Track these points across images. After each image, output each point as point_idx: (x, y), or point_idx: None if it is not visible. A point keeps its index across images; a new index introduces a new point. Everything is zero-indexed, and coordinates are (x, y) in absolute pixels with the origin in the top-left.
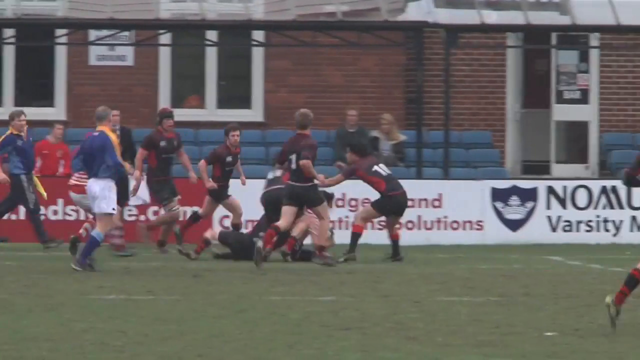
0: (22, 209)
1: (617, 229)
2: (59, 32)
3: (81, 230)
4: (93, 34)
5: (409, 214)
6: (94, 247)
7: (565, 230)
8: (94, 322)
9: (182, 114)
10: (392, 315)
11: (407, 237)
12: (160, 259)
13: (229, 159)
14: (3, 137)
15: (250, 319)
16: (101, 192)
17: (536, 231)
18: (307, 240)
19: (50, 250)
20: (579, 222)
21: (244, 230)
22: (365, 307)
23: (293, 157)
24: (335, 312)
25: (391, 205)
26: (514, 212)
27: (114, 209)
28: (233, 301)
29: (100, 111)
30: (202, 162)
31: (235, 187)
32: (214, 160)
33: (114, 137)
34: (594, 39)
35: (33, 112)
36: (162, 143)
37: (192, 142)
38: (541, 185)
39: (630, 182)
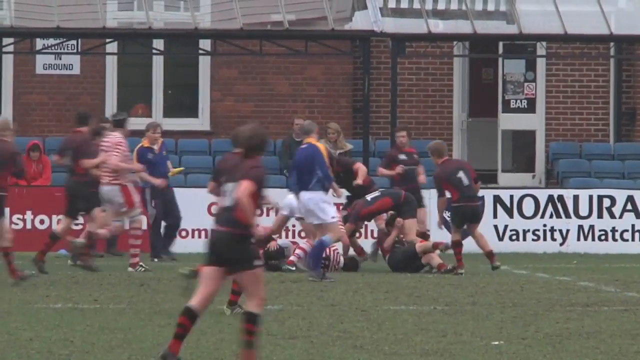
0: None
1: (564, 238)
2: (6, 40)
3: None
4: (40, 43)
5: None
6: (320, 253)
7: (512, 240)
8: (40, 331)
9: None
10: (339, 324)
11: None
12: (107, 267)
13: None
14: (137, 149)
15: (197, 328)
16: (315, 205)
17: None
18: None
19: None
20: (525, 231)
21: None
22: (312, 315)
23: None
24: (282, 321)
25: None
26: None
27: (333, 217)
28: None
29: (307, 124)
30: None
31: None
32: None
33: (323, 149)
34: (541, 48)
35: None
36: None
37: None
38: (488, 194)
39: None
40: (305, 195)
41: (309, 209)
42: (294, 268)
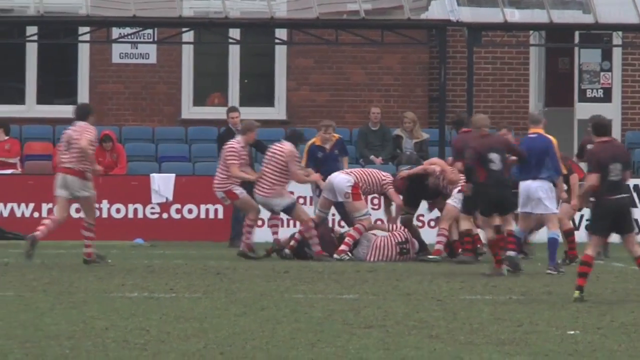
0: (45, 208)
1: None
2: (82, 29)
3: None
4: (116, 32)
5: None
6: (556, 248)
7: (585, 229)
8: (115, 320)
9: (204, 112)
10: (414, 313)
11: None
12: (183, 257)
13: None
14: (307, 147)
15: (272, 317)
16: (544, 193)
17: None
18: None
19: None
20: None
21: None
22: (388, 305)
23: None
24: (357, 311)
25: None
26: None
27: (556, 209)
28: (255, 299)
29: (536, 115)
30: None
31: None
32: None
33: (555, 142)
34: (617, 38)
35: (55, 110)
36: None
37: (215, 140)
38: None
39: None
40: (534, 183)
41: (537, 197)
42: (347, 257)
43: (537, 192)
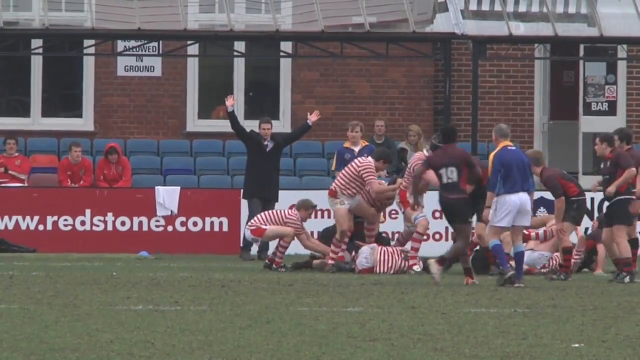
0: (50, 220)
1: None
2: (87, 42)
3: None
4: (121, 45)
5: (436, 225)
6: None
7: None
8: (120, 333)
9: (209, 125)
10: (419, 326)
11: (431, 249)
12: (188, 269)
13: None
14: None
15: (278, 329)
16: (530, 205)
17: None
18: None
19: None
20: None
21: None
22: (393, 318)
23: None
24: (362, 324)
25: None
26: None
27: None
28: (260, 312)
29: (505, 128)
30: None
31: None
32: None
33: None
34: (622, 51)
35: (60, 123)
36: None
37: (219, 153)
38: None
39: None
40: (525, 196)
41: (527, 210)
42: (419, 269)
43: (527, 204)
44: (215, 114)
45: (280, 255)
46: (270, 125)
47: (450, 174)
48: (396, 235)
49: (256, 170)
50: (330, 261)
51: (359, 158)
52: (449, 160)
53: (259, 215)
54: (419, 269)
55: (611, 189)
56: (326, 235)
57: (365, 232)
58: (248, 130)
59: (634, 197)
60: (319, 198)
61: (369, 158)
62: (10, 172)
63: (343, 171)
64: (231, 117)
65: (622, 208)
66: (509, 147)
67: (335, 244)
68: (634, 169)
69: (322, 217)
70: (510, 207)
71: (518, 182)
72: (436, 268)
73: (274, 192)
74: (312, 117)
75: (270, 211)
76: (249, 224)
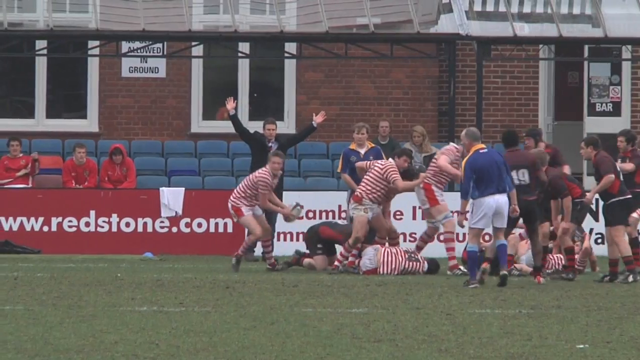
0: (54, 221)
1: None
2: (92, 43)
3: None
4: (125, 46)
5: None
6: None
7: (597, 243)
8: (125, 334)
9: (213, 126)
10: (424, 327)
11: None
12: (192, 270)
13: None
14: (344, 150)
15: (282, 330)
16: (506, 207)
17: None
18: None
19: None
20: None
21: None
22: (397, 319)
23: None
24: (367, 324)
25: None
26: None
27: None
28: (265, 313)
29: (476, 131)
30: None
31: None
32: None
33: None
34: (626, 51)
35: (65, 124)
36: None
37: (224, 154)
38: None
39: None
40: (502, 198)
41: (504, 212)
42: (459, 272)
43: (504, 206)
44: (219, 116)
45: (268, 256)
46: (274, 126)
47: (522, 176)
48: (416, 234)
49: None
50: (336, 263)
51: (379, 161)
52: (520, 163)
53: (239, 187)
54: (459, 272)
55: (589, 196)
56: (311, 234)
57: (376, 241)
58: (252, 131)
59: (629, 196)
60: (324, 199)
61: (390, 160)
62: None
63: (366, 176)
64: (233, 120)
65: (618, 209)
66: (481, 151)
67: (347, 249)
68: (612, 175)
69: (327, 217)
70: (486, 209)
71: (493, 184)
72: (540, 280)
73: (278, 193)
74: (318, 119)
75: (245, 180)
76: (232, 196)
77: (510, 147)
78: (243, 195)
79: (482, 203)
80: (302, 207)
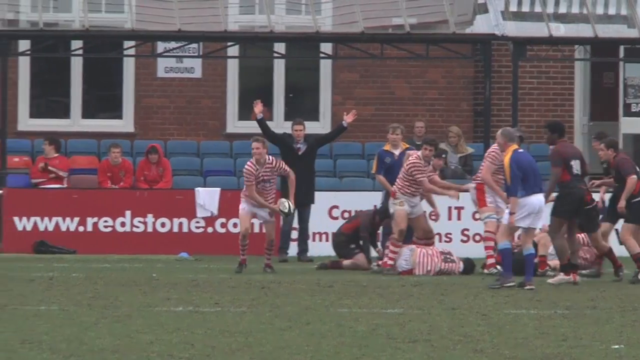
0: (90, 222)
1: None
2: (127, 44)
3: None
4: (161, 46)
5: (477, 226)
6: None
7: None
8: (160, 334)
9: (249, 126)
10: (459, 327)
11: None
12: (228, 271)
13: None
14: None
15: (317, 331)
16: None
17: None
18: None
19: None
20: None
21: None
22: (432, 319)
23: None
24: (402, 325)
25: None
26: None
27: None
28: (300, 313)
29: (513, 132)
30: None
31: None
32: None
33: None
34: None
35: (100, 124)
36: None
37: None
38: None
39: None
40: (542, 198)
41: (542, 212)
42: (495, 270)
43: (543, 206)
44: (253, 116)
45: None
46: (302, 127)
47: (578, 167)
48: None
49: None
50: (390, 262)
51: (410, 156)
52: (576, 154)
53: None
54: (494, 271)
55: (621, 204)
56: (338, 239)
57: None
58: (281, 132)
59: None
60: (359, 199)
61: (414, 154)
62: (50, 167)
63: (400, 173)
64: (260, 124)
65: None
66: (519, 150)
67: (394, 244)
68: (635, 176)
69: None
70: (530, 208)
71: (536, 184)
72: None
73: (309, 195)
74: (348, 118)
75: None
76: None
77: (561, 137)
78: (243, 189)
79: (527, 202)
80: (291, 203)
